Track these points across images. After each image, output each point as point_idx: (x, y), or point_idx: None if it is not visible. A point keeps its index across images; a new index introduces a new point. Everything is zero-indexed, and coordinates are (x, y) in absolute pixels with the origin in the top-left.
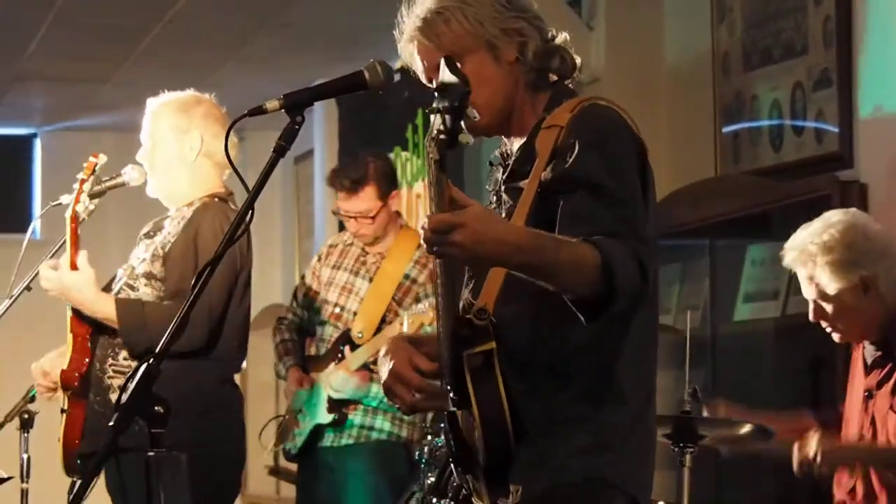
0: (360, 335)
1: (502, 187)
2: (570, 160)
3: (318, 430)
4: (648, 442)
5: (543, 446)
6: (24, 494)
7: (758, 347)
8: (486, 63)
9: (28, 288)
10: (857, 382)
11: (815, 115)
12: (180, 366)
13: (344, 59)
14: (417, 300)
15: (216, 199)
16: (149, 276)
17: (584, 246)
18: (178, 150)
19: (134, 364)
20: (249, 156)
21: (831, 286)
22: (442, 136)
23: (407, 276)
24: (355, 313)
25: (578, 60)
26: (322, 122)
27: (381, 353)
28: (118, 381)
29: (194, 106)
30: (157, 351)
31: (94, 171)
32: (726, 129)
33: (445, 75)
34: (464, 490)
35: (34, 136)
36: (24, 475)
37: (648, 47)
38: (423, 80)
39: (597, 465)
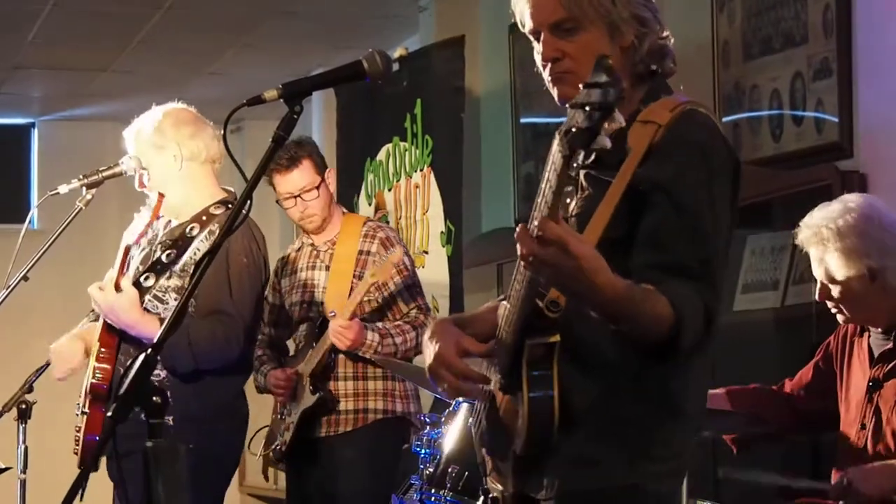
0: (332, 314)
1: (581, 172)
2: (670, 170)
3: (307, 421)
4: (691, 452)
5: (595, 446)
6: (23, 485)
7: (757, 338)
8: (602, 39)
9: (25, 278)
10: (860, 371)
11: (814, 105)
12: (209, 380)
13: (344, 48)
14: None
15: (228, 208)
16: (179, 290)
17: (664, 302)
18: (164, 165)
19: (157, 373)
20: (248, 145)
21: (839, 272)
22: (580, 133)
23: (361, 252)
24: (322, 303)
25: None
26: (320, 111)
27: (426, 335)
28: None
29: (162, 119)
30: (154, 342)
31: None
32: (726, 119)
33: (597, 74)
34: (483, 468)
35: (32, 125)
36: (22, 465)
37: None
38: (525, 30)
39: (645, 473)
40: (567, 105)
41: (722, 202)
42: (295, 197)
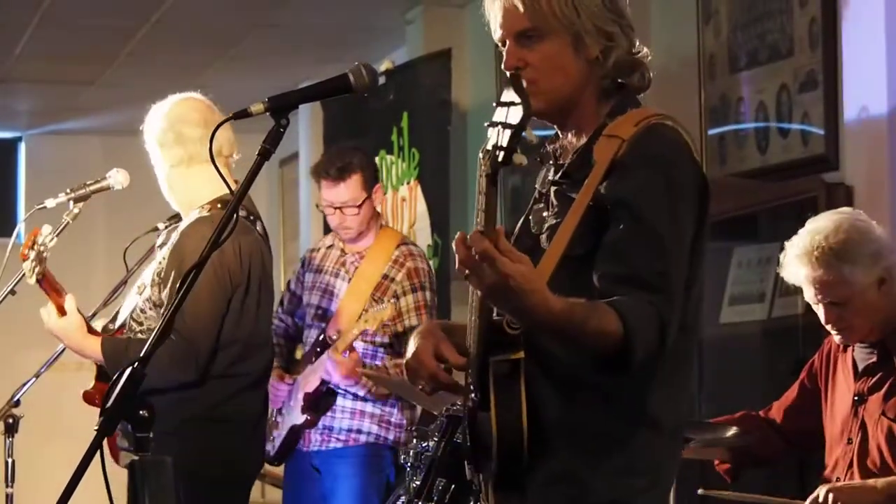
0: (334, 337)
1: (552, 188)
2: (631, 185)
3: (295, 433)
4: (675, 467)
5: (571, 463)
6: (10, 499)
7: (744, 350)
8: (565, 51)
9: (12, 292)
10: (845, 385)
11: (800, 118)
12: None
13: (330, 61)
14: (395, 297)
15: (218, 206)
16: (152, 302)
17: (611, 317)
18: (166, 160)
19: None
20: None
21: (859, 281)
22: (496, 152)
23: (385, 276)
24: (334, 314)
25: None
26: (307, 124)
27: (414, 332)
28: None
29: (169, 112)
30: (140, 356)
31: (33, 243)
32: (712, 132)
33: (509, 92)
34: (473, 486)
35: (19, 139)
36: (9, 479)
37: None
38: (495, 38)
39: (626, 490)
40: (486, 124)
41: (685, 217)
42: (336, 208)
